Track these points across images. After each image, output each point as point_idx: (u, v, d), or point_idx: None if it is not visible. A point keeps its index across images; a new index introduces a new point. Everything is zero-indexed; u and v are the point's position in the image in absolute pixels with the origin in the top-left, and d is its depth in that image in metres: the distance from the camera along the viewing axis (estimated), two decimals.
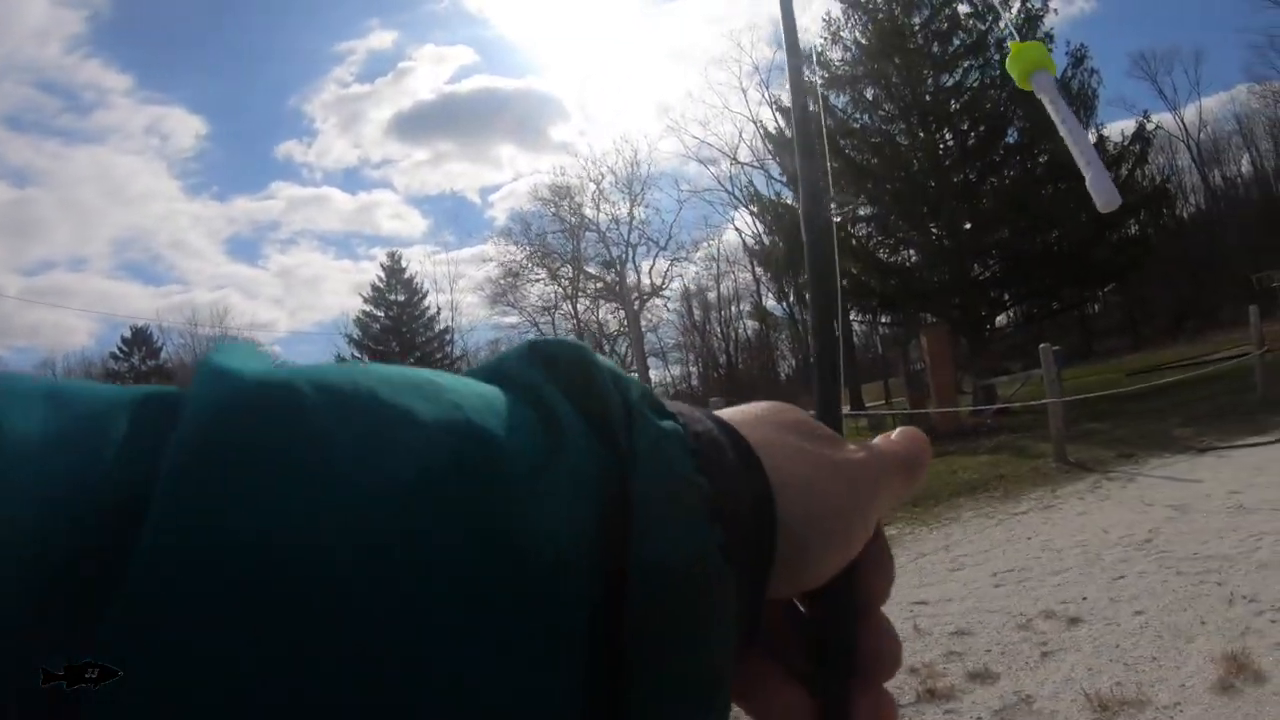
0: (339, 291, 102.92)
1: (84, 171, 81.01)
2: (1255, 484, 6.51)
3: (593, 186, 44.02)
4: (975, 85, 21.25)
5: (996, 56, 21.40)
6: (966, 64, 21.50)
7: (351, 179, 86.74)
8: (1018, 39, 0.83)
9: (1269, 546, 4.86)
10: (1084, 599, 4.54)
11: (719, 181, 45.35)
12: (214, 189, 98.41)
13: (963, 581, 5.25)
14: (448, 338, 50.12)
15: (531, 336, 0.32)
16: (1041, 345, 9.48)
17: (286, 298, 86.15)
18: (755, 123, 38.12)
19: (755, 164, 41.26)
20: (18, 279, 76.12)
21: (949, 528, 6.98)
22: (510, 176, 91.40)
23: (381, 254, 51.38)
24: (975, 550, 6.01)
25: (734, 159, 43.58)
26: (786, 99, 24.44)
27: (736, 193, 41.64)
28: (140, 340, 55.97)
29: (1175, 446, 9.23)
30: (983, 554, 5.87)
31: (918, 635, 4.39)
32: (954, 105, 20.91)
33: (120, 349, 55.99)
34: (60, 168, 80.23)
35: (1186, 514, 6.06)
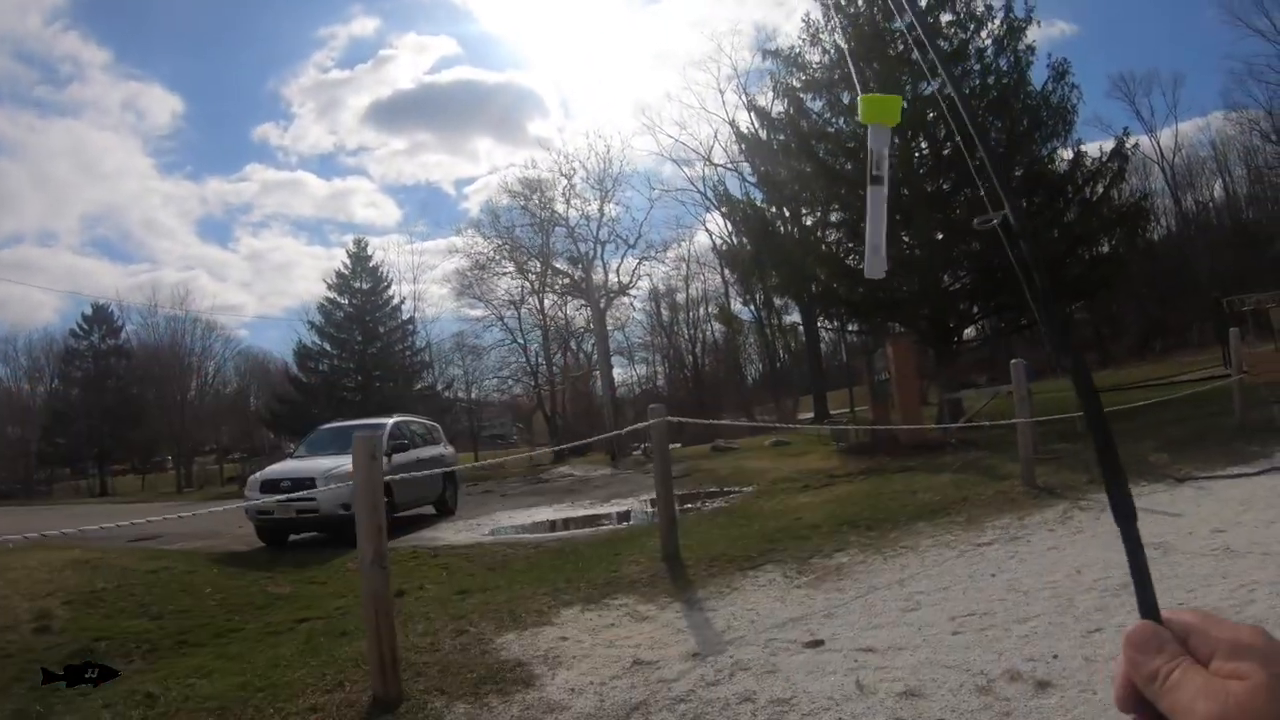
0: (309, 277, 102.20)
1: (57, 145, 79.15)
2: (1241, 522, 5.97)
3: (564, 181, 43.35)
4: (952, 94, 20.82)
5: (977, 66, 20.97)
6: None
7: (327, 165, 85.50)
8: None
9: (1264, 599, 4.29)
10: (1055, 657, 3.92)
11: (692, 183, 44.86)
12: (188, 169, 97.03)
13: (917, 625, 4.62)
14: (411, 328, 49.20)
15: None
16: (1014, 360, 8.92)
17: (256, 281, 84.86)
18: (731, 124, 37.62)
19: (729, 166, 40.79)
20: None
21: (905, 558, 6.36)
22: (486, 170, 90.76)
23: (352, 241, 50.24)
24: (933, 587, 5.39)
25: (708, 160, 43.07)
26: (763, 101, 24.11)
27: (709, 194, 41.15)
28: (101, 318, 54.65)
29: (1151, 474, 8.69)
30: (941, 592, 5.25)
31: (860, 695, 3.76)
32: (930, 114, 20.39)
33: (80, 326, 54.60)
34: (34, 140, 78.21)
35: (1168, 555, 5.48)
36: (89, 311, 54.71)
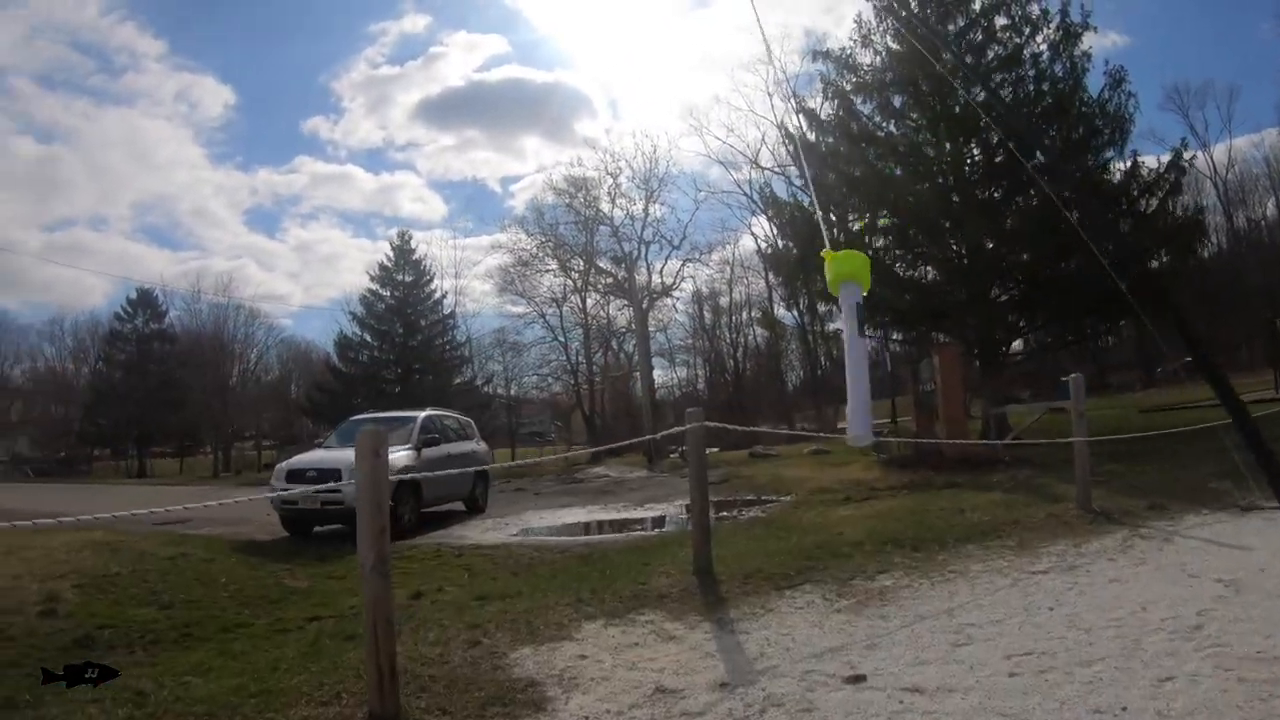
0: (355, 269, 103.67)
1: (111, 133, 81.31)
2: None
3: (610, 180, 43.15)
4: (1008, 100, 20.17)
5: (1031, 72, 20.33)
6: (1000, 77, 20.41)
7: (376, 159, 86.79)
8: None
9: None
10: (1123, 709, 3.49)
11: (739, 185, 44.41)
12: (238, 159, 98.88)
13: (969, 663, 4.19)
14: (451, 323, 49.14)
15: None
16: (1072, 376, 8.43)
17: (303, 272, 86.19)
18: (779, 127, 37.11)
19: (776, 169, 40.28)
20: (39, 234, 76.52)
21: (954, 583, 5.92)
22: (534, 168, 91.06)
23: (396, 234, 50.40)
24: (986, 619, 4.95)
25: (755, 163, 42.60)
26: (812, 104, 23.58)
27: (755, 197, 40.64)
28: (145, 303, 55.63)
29: (1213, 501, 8.19)
30: (994, 625, 4.82)
31: None
32: (983, 120, 19.83)
33: (125, 310, 55.72)
34: (88, 127, 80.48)
35: (1241, 593, 5.02)
36: (134, 296, 55.71)
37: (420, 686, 4.31)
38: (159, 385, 51.84)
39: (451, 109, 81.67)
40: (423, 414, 15.18)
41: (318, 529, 12.42)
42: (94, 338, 59.60)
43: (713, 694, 4.03)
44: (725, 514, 12.43)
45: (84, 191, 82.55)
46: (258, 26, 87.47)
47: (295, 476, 12.92)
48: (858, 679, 4.04)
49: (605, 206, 44.00)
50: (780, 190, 34.45)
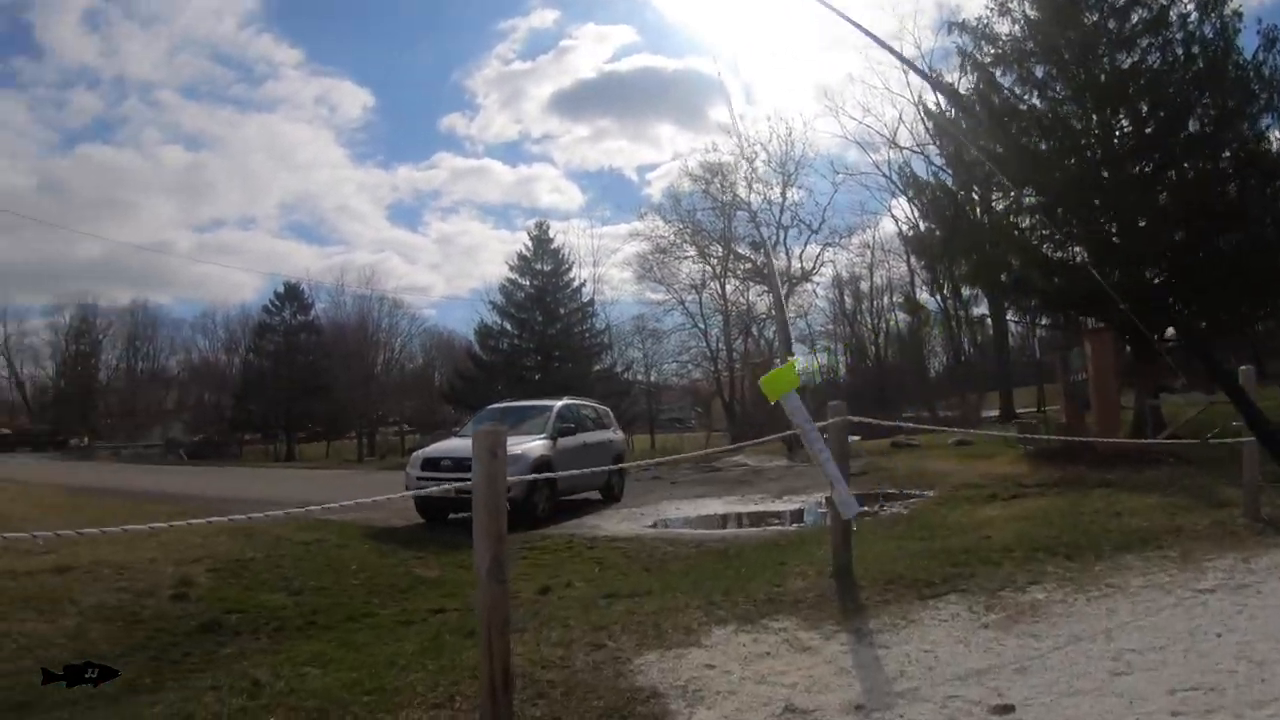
0: (495, 260, 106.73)
1: (255, 138, 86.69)
2: None
3: (746, 165, 42.65)
4: (1156, 66, 18.84)
5: (1179, 35, 18.81)
6: (1146, 42, 19.03)
7: (512, 152, 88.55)
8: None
9: None
10: None
11: (877, 166, 43.19)
12: (379, 158, 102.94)
13: (1129, 697, 3.76)
14: (590, 310, 49.53)
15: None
16: (1242, 368, 7.71)
17: (444, 264, 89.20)
18: (917, 104, 35.89)
19: (915, 149, 38.97)
20: (190, 235, 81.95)
21: (1112, 599, 5.42)
22: (669, 155, 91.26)
23: (534, 224, 51.24)
24: (1146, 644, 4.49)
25: (893, 142, 41.33)
26: (949, 79, 22.63)
27: (894, 178, 39.47)
28: (292, 296, 58.59)
29: None
30: (1156, 652, 4.36)
31: None
32: (1131, 88, 18.57)
33: (273, 303, 58.86)
34: (233, 134, 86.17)
35: None
36: (281, 290, 58.90)
37: (538, 692, 4.16)
38: (306, 373, 54.55)
39: (584, 100, 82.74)
40: (559, 403, 15.24)
41: (452, 516, 12.57)
42: (244, 329, 63.57)
43: (846, 718, 3.76)
44: (865, 509, 12.01)
45: (231, 194, 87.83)
46: (389, 30, 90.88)
47: (430, 464, 13.14)
48: (1005, 709, 3.68)
49: (742, 191, 43.60)
50: (920, 170, 33.36)
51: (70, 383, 65.13)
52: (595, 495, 15.23)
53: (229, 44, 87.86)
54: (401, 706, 4.05)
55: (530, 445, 13.43)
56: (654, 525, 12.57)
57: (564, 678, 4.38)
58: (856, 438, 23.37)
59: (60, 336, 66.27)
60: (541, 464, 12.95)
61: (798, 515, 13.22)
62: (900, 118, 42.04)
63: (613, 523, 12.68)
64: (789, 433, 6.20)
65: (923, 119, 36.75)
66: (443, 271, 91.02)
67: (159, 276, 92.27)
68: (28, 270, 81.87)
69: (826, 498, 9.10)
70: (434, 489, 11.42)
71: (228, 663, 5.56)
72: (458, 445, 13.51)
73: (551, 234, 49.36)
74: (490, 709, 3.75)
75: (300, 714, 4.03)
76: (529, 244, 49.36)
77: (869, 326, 52.60)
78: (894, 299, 50.73)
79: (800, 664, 4.52)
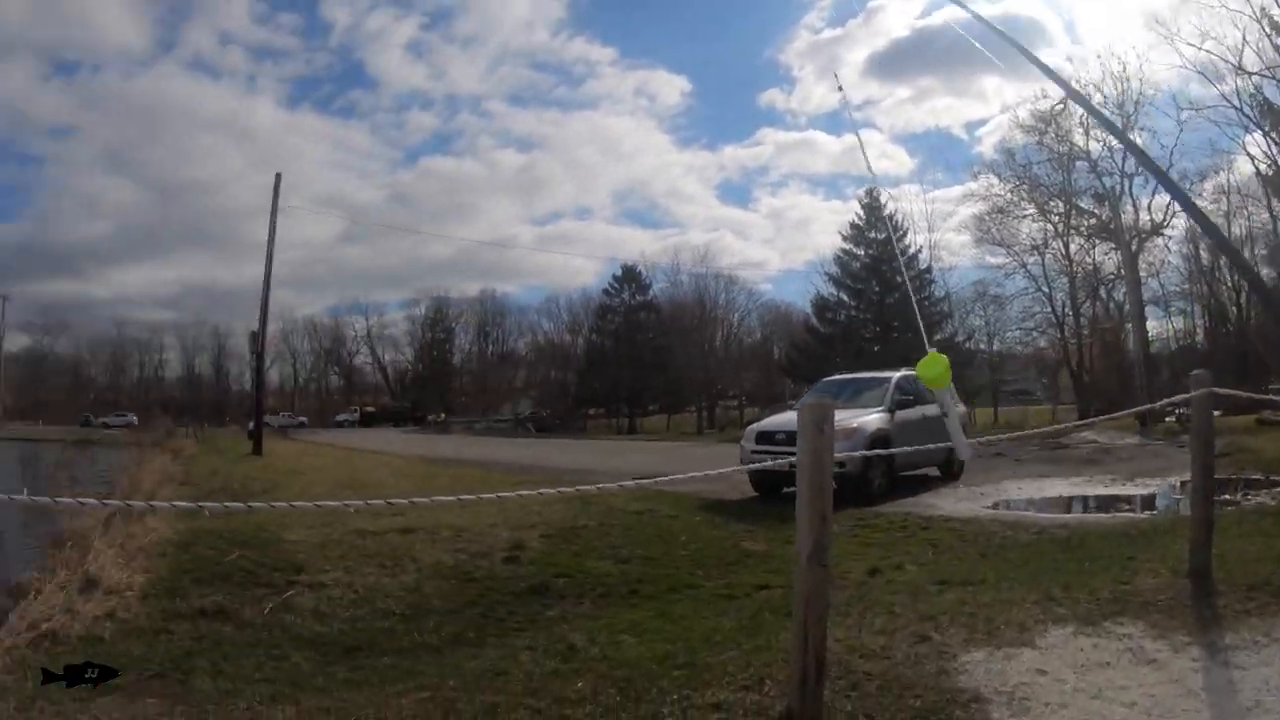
0: (828, 231, 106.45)
1: (582, 135, 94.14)
2: None
3: (1081, 110, 38.82)
4: None
5: None
6: None
7: (835, 121, 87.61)
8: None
9: None
10: None
11: (1225, 98, 37.36)
12: (703, 140, 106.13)
13: None
14: (929, 277, 47.60)
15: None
16: None
17: (777, 238, 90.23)
18: (1260, 20, 30.81)
19: (1265, 72, 33.31)
20: (531, 228, 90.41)
21: None
22: (996, 109, 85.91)
23: (864, 192, 50.19)
24: None
25: (1240, 68, 35.56)
26: None
27: (1245, 109, 34.21)
28: (630, 278, 62.47)
29: None
30: None
31: None
32: None
33: (612, 285, 63.12)
34: (560, 134, 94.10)
35: None
36: (619, 273, 63.02)
37: (852, 684, 3.87)
38: (645, 350, 57.83)
39: (901, 60, 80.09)
40: (897, 374, 14.64)
41: (785, 490, 12.44)
42: (586, 311, 69.36)
43: None
44: (1226, 496, 10.50)
45: (565, 187, 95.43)
46: (695, 15, 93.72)
47: (764, 438, 13.09)
48: None
49: (1079, 139, 39.59)
50: (1274, 95, 28.67)
51: (427, 365, 77.73)
52: (934, 471, 14.51)
53: (544, 51, 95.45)
54: (709, 685, 3.91)
55: (867, 419, 12.98)
56: (993, 506, 11.73)
57: (882, 670, 4.06)
58: (1216, 412, 20.50)
59: (417, 325, 79.33)
60: (878, 438, 12.46)
61: (1149, 501, 11.82)
62: (1244, 38, 35.88)
63: (950, 502, 11.97)
64: (1143, 408, 5.42)
65: (1268, 35, 31.46)
66: (776, 246, 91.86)
67: (504, 268, 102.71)
68: (385, 272, 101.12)
69: (1182, 482, 7.98)
70: (767, 462, 11.33)
71: (549, 625, 5.77)
72: (792, 418, 13.32)
73: (883, 201, 47.57)
74: (799, 699, 3.51)
75: (608, 682, 4.01)
76: (860, 213, 48.37)
77: (1229, 285, 45.18)
78: (1257, 251, 43.38)
79: (1143, 679, 3.88)
